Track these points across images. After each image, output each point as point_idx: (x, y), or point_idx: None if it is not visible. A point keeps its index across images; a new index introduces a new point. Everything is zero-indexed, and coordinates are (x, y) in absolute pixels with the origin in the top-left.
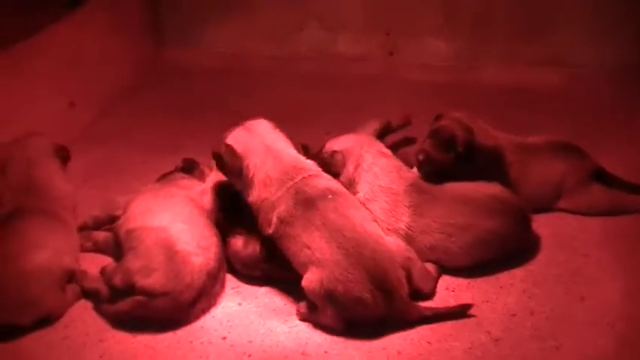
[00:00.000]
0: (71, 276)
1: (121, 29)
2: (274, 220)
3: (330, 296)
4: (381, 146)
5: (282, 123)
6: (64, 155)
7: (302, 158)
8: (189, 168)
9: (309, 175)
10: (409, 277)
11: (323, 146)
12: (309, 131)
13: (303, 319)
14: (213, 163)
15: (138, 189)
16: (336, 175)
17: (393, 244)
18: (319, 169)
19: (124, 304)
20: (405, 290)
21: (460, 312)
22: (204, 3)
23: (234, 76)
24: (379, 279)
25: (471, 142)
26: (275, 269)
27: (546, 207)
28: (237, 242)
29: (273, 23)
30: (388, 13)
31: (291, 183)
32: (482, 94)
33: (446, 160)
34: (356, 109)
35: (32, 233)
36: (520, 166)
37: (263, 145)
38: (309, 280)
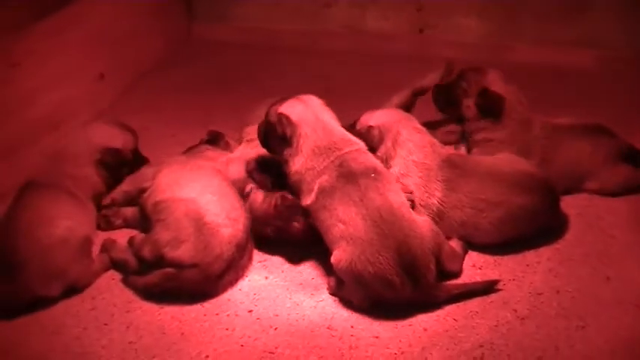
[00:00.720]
0: (101, 246)
1: (152, 4)
2: (315, 188)
3: (358, 275)
4: (415, 122)
5: None
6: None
7: (349, 134)
8: (215, 139)
9: (357, 150)
10: (438, 260)
11: (356, 121)
12: (336, 108)
13: (332, 293)
14: (245, 134)
15: (164, 160)
16: (372, 150)
17: (426, 228)
18: (366, 147)
19: (153, 277)
20: (432, 276)
21: (487, 288)
22: None
23: (263, 52)
24: (409, 264)
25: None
26: (286, 227)
27: (573, 188)
28: (258, 196)
29: None
30: None
31: (338, 153)
32: (514, 74)
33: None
34: (384, 87)
35: (47, 205)
36: (548, 145)
37: (314, 116)
38: (338, 257)
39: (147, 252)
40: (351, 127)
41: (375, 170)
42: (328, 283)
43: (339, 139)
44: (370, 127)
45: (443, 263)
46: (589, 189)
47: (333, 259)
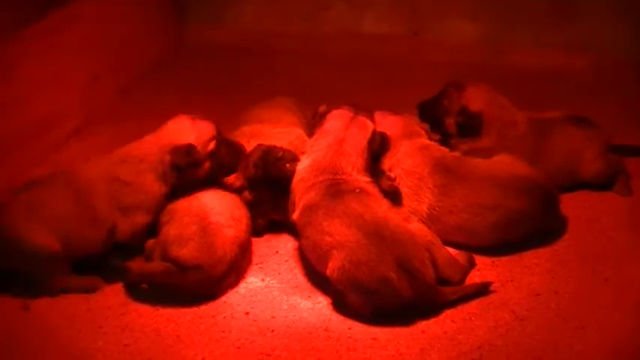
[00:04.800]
0: None
1: (146, 6)
2: (301, 204)
3: (353, 279)
4: (414, 126)
5: (305, 102)
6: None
7: (358, 166)
8: None
9: (350, 178)
10: (434, 263)
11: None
12: None
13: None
14: (240, 134)
15: None
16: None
17: (416, 228)
18: (360, 177)
19: (156, 266)
20: (429, 273)
21: (482, 290)
22: None
23: (259, 54)
24: (402, 258)
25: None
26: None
27: (568, 181)
28: (231, 178)
29: (299, 1)
30: None
31: (330, 177)
32: (509, 77)
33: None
34: (380, 90)
35: None
36: (538, 141)
37: (334, 136)
38: (332, 267)
39: (157, 253)
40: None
41: (361, 189)
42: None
43: (338, 165)
44: (382, 133)
45: (440, 269)
46: (584, 179)
47: (328, 272)
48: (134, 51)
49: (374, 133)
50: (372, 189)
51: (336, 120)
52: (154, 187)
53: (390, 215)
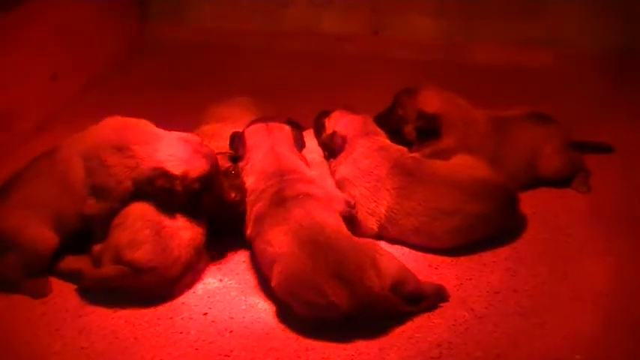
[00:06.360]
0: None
1: (107, 4)
2: (252, 217)
3: (291, 293)
4: (373, 126)
5: (266, 100)
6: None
7: (299, 163)
8: None
9: (297, 177)
10: (383, 272)
11: (327, 115)
12: (291, 108)
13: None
14: (201, 133)
15: None
16: (333, 155)
17: (361, 242)
18: (306, 174)
19: (109, 270)
20: (372, 281)
21: (432, 306)
22: None
23: (220, 52)
24: (338, 268)
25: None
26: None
27: (529, 178)
28: None
29: None
30: None
31: (278, 179)
32: (471, 74)
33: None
34: (341, 87)
35: None
36: (499, 139)
37: (264, 146)
38: (273, 279)
39: (107, 257)
40: (321, 116)
41: (306, 194)
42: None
43: (286, 166)
44: (335, 133)
45: (389, 279)
46: (543, 175)
47: (272, 284)
48: (95, 49)
49: (293, 133)
50: (319, 190)
51: (256, 134)
52: (127, 182)
53: (329, 221)
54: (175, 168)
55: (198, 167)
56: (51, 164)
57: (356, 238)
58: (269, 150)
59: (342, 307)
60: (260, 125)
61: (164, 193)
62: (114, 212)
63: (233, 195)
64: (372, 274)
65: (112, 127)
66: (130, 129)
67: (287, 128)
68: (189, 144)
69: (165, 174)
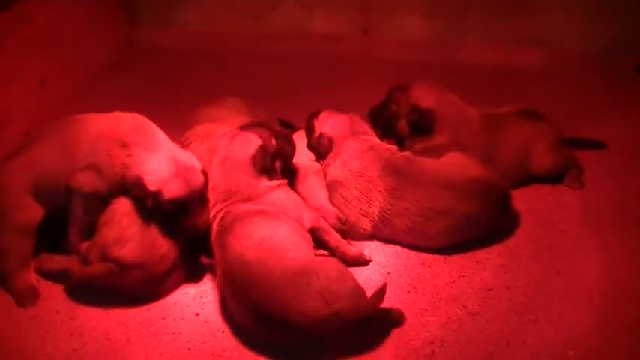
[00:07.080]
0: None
1: (94, 8)
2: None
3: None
4: (364, 126)
5: (257, 102)
6: None
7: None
8: None
9: (239, 199)
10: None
11: (316, 113)
12: (280, 110)
13: None
14: (190, 136)
15: None
16: (321, 157)
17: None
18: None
19: (96, 268)
20: (301, 309)
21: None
22: None
23: (209, 56)
24: (258, 307)
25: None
26: None
27: (521, 176)
28: None
29: (248, 1)
30: None
31: (224, 206)
32: (461, 73)
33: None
34: (330, 88)
35: None
36: (492, 137)
37: (220, 155)
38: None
39: (94, 255)
40: (311, 117)
41: (244, 214)
42: None
43: (231, 189)
44: (322, 134)
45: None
46: (535, 173)
47: None
48: (84, 54)
49: (261, 147)
50: (259, 208)
51: (222, 139)
52: (119, 176)
53: (260, 248)
54: (152, 184)
55: (173, 190)
56: (67, 128)
57: (304, 260)
58: (221, 162)
59: (273, 336)
60: (232, 132)
61: (139, 202)
62: (98, 201)
63: (202, 226)
64: (302, 303)
65: (129, 121)
66: (140, 130)
67: (254, 142)
68: (177, 165)
69: (141, 186)
